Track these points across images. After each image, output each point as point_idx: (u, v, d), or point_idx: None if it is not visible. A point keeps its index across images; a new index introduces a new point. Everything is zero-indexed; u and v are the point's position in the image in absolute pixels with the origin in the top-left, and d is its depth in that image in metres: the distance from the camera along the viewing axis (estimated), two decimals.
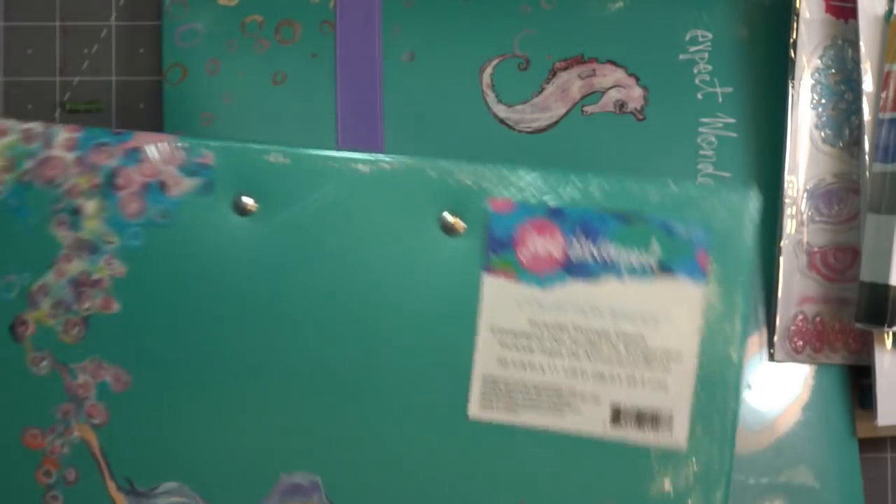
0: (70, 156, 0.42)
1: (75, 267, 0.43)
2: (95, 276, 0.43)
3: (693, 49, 0.58)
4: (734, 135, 0.55)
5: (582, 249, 0.41)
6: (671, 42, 0.58)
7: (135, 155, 0.42)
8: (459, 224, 0.42)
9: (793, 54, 0.55)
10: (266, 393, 0.43)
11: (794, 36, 0.55)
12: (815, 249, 0.55)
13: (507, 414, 0.42)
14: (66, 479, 0.44)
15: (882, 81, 0.53)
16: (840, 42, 0.56)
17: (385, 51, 0.59)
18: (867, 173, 0.53)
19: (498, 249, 0.41)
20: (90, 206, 0.43)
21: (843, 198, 0.55)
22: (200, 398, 0.43)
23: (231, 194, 0.42)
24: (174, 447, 0.43)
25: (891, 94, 0.53)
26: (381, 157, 0.42)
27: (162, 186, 0.42)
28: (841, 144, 0.55)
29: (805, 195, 0.55)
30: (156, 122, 0.56)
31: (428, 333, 0.42)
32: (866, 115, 0.53)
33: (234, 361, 0.43)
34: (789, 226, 0.55)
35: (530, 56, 0.58)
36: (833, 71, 0.56)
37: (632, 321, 0.41)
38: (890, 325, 0.51)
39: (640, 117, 0.57)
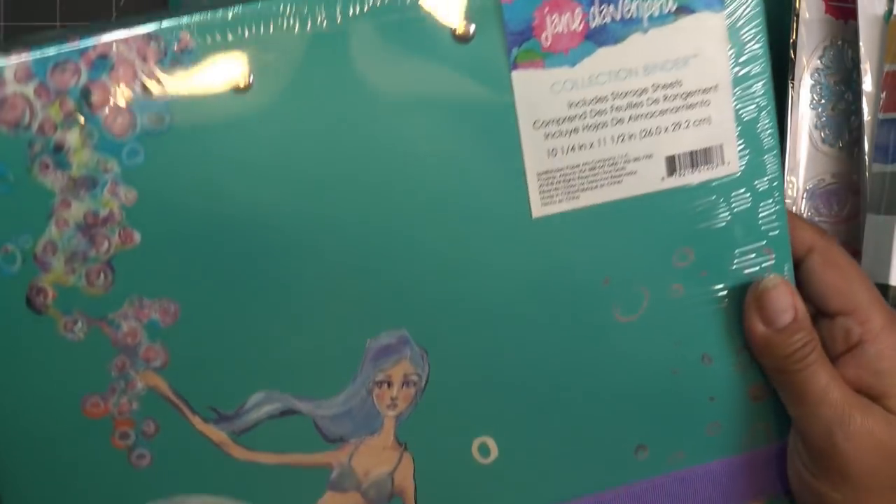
0: (28, 88, 0.37)
1: (77, 210, 0.38)
2: (104, 213, 0.38)
3: None
4: None
5: (601, 15, 0.40)
6: None
7: (103, 63, 0.37)
8: (468, 28, 0.40)
9: (792, 55, 0.55)
10: (324, 267, 0.41)
11: (794, 36, 0.55)
12: None
13: (569, 202, 0.42)
14: (146, 433, 0.40)
15: (882, 82, 0.53)
16: (840, 42, 0.56)
17: None
18: (867, 173, 0.53)
19: (519, 42, 0.40)
20: (71, 137, 0.37)
21: (843, 198, 0.56)
22: (257, 298, 0.40)
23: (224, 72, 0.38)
24: (247, 358, 0.41)
25: (891, 94, 0.53)
26: None
27: (144, 89, 0.38)
28: (841, 144, 0.56)
29: (805, 195, 0.55)
30: None
31: (471, 149, 0.41)
32: (866, 115, 0.53)
33: (279, 247, 0.40)
34: None
35: None
36: (833, 71, 0.56)
37: (665, 70, 0.41)
38: None
39: None
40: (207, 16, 0.38)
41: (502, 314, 0.42)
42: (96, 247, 0.39)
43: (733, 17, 0.41)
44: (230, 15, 0.38)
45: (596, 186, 0.42)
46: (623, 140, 0.42)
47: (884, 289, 0.51)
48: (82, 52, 0.37)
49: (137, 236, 0.39)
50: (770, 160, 0.43)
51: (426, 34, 0.40)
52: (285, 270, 0.40)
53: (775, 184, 0.43)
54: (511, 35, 0.40)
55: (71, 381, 0.40)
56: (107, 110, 0.38)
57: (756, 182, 0.43)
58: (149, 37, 0.37)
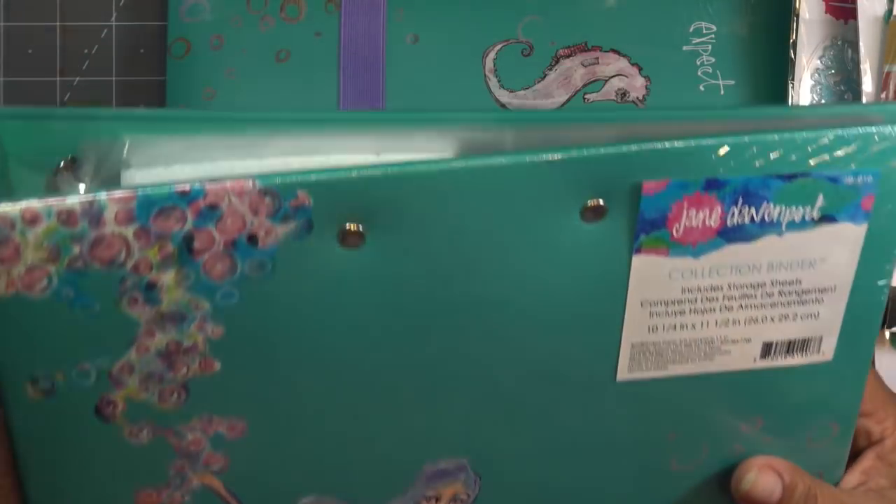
0: (128, 230, 0.35)
1: (161, 340, 0.38)
2: (188, 344, 0.38)
3: (697, 41, 0.62)
4: None
5: (741, 215, 0.39)
6: (675, 33, 0.63)
7: (211, 214, 0.36)
8: (600, 205, 0.39)
9: (792, 55, 0.56)
10: (397, 397, 0.42)
11: (794, 36, 0.56)
12: None
13: (655, 371, 0.42)
14: None
15: (882, 82, 0.54)
16: (840, 42, 0.57)
17: (388, 33, 0.63)
18: None
19: (649, 230, 0.39)
20: (167, 277, 0.36)
21: None
22: (324, 422, 0.42)
23: (335, 228, 0.37)
24: (305, 466, 0.43)
25: (890, 94, 0.54)
26: (501, 159, 0.37)
27: (251, 239, 0.36)
28: None
29: None
30: None
31: (572, 307, 0.41)
32: None
33: (356, 379, 0.41)
34: None
35: (534, 42, 0.63)
36: (833, 71, 0.57)
37: (788, 269, 0.41)
38: (890, 326, 0.54)
39: (642, 106, 0.62)
40: (332, 175, 0.36)
41: (563, 461, 0.44)
42: (174, 371, 0.39)
43: (874, 229, 0.40)
44: (359, 177, 0.36)
45: (687, 361, 0.42)
46: (726, 325, 0.42)
47: None
48: (191, 200, 0.35)
49: (217, 365, 0.39)
50: (863, 353, 0.44)
51: (557, 205, 0.39)
52: (356, 397, 0.41)
53: (862, 372, 0.44)
54: (643, 223, 0.39)
55: (129, 475, 0.41)
56: (207, 256, 0.36)
57: (844, 369, 0.44)
58: (264, 191, 0.36)
